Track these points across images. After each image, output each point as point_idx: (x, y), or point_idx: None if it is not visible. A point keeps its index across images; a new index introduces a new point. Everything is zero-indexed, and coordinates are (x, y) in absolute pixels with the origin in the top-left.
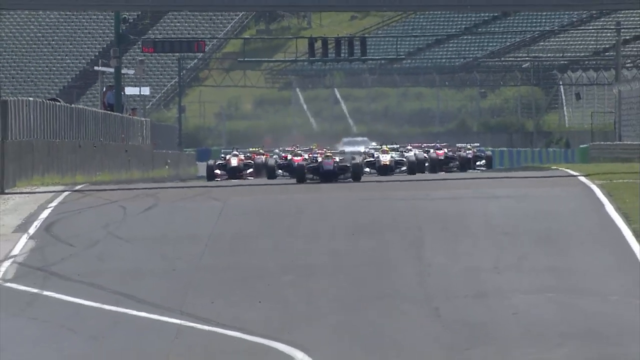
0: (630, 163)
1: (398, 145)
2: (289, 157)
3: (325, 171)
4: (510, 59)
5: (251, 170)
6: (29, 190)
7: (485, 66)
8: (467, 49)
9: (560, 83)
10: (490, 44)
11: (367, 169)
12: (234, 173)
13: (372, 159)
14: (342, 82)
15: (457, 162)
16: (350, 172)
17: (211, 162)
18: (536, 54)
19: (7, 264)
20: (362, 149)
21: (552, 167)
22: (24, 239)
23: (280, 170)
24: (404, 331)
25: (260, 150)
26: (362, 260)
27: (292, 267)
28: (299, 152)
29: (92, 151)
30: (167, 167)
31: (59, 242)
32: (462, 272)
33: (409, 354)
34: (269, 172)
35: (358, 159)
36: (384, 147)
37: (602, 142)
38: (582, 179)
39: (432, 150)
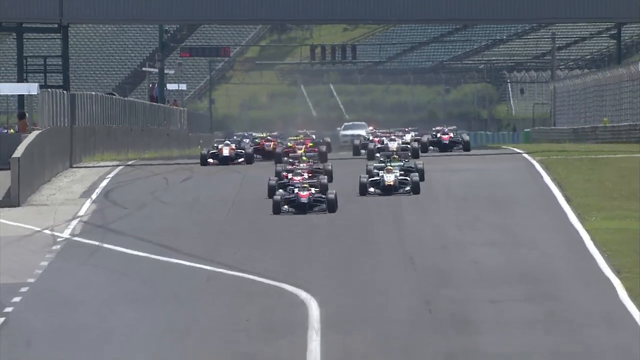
0: (563, 143)
1: (401, 131)
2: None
3: (300, 203)
4: (469, 62)
5: (242, 159)
6: (92, 165)
7: (449, 68)
8: (435, 54)
9: (508, 81)
10: (453, 50)
11: (372, 189)
12: (226, 162)
13: (377, 178)
14: (337, 80)
15: (461, 146)
16: (325, 203)
17: (204, 151)
18: (489, 58)
19: (74, 222)
20: (362, 132)
21: (502, 147)
22: (88, 203)
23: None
24: (386, 275)
25: (268, 137)
26: (351, 221)
27: (297, 225)
28: (298, 171)
29: (141, 134)
30: (200, 146)
31: (115, 205)
32: (431, 229)
33: (390, 293)
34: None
35: (331, 195)
36: (389, 165)
37: (541, 127)
38: (525, 155)
39: (439, 135)
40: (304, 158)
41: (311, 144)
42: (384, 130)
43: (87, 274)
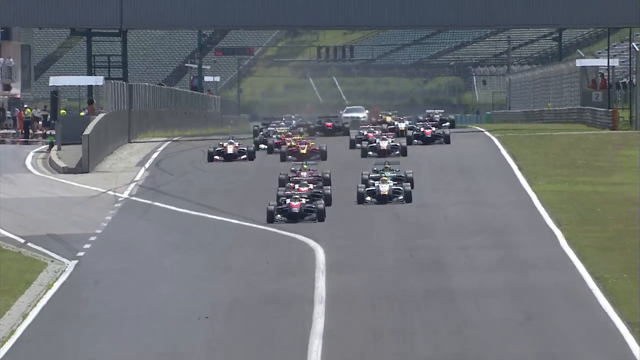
0: (516, 123)
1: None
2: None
3: (292, 213)
4: (442, 59)
5: (245, 156)
6: (145, 141)
7: (426, 64)
8: (416, 53)
9: (473, 74)
10: (430, 50)
11: (368, 198)
12: (230, 158)
13: (372, 188)
14: (338, 74)
15: (442, 139)
16: (315, 213)
17: (211, 149)
18: (458, 56)
19: (132, 186)
20: (360, 114)
21: (468, 126)
22: (142, 170)
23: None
24: (377, 229)
25: (289, 133)
26: (352, 163)
27: None
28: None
29: (184, 116)
30: (230, 126)
31: (163, 172)
32: (413, 192)
33: (380, 243)
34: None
35: (320, 205)
36: (384, 176)
37: (499, 111)
38: (487, 133)
39: (423, 129)
40: (305, 166)
41: (312, 143)
42: (379, 124)
43: (142, 227)
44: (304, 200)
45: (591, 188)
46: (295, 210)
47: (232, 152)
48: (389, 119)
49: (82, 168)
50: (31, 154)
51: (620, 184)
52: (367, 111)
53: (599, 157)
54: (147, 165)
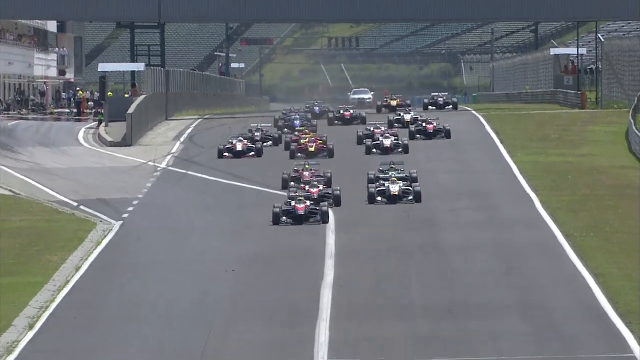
0: (498, 103)
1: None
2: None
3: (297, 215)
4: (435, 48)
5: (252, 153)
6: (180, 118)
7: (422, 52)
8: (413, 43)
9: (462, 61)
10: (424, 40)
11: (379, 198)
12: (239, 155)
13: (382, 188)
14: (345, 61)
15: (443, 134)
16: (319, 215)
17: (221, 146)
18: (449, 46)
19: (169, 157)
20: (365, 96)
21: (458, 106)
22: (177, 143)
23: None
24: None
25: (306, 130)
26: (357, 160)
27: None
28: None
29: (213, 97)
30: (252, 106)
31: (196, 145)
32: (409, 162)
33: (380, 204)
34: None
35: (324, 207)
36: (393, 177)
37: (484, 92)
38: (473, 112)
39: (424, 124)
40: (307, 166)
41: (320, 142)
42: (384, 106)
43: (177, 192)
44: (308, 203)
45: (562, 159)
46: (300, 212)
47: (240, 149)
48: (393, 102)
49: (126, 142)
50: (83, 129)
51: (587, 155)
52: (372, 93)
53: (569, 132)
54: (181, 139)
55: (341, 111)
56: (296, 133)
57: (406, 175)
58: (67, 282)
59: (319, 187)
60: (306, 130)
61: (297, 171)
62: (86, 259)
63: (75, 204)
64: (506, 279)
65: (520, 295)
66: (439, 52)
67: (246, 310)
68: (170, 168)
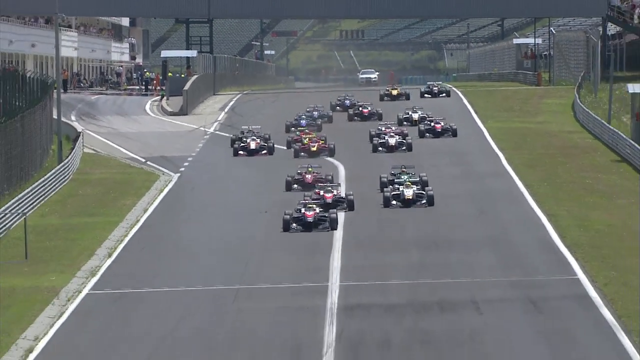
0: (473, 82)
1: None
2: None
3: (306, 222)
4: (424, 38)
5: (265, 151)
6: (224, 94)
7: (413, 42)
8: (406, 34)
9: (444, 49)
10: (416, 32)
11: (394, 202)
12: (252, 153)
13: (397, 192)
14: (354, 49)
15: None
16: (328, 222)
17: (236, 145)
18: (434, 36)
19: (216, 124)
20: (372, 75)
21: (441, 83)
22: (222, 113)
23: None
24: (377, 155)
25: (306, 130)
26: (365, 158)
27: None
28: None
29: (251, 77)
30: (281, 84)
31: (236, 114)
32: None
33: (378, 161)
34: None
35: (333, 215)
36: (407, 181)
37: (462, 73)
38: (454, 88)
39: (432, 124)
40: (310, 169)
41: (322, 141)
42: (389, 124)
43: (222, 152)
44: (318, 210)
45: (523, 125)
46: (310, 220)
47: (254, 148)
48: (395, 92)
49: (182, 112)
50: (149, 102)
51: (542, 122)
52: (377, 73)
53: (528, 104)
54: (225, 109)
55: (360, 108)
56: (297, 133)
57: (418, 180)
58: (137, 221)
59: (333, 192)
60: (306, 130)
61: (300, 174)
62: (152, 203)
63: (143, 160)
64: (479, 219)
65: (489, 232)
66: (427, 42)
67: (276, 244)
68: (217, 133)
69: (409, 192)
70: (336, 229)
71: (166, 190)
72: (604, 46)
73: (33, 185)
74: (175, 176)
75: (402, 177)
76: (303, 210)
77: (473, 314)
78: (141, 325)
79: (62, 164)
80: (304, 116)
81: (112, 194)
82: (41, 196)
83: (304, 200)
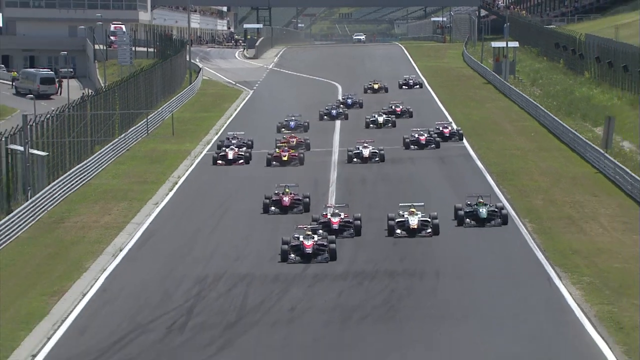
0: (410, 42)
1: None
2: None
3: (305, 253)
4: (383, 17)
5: (242, 161)
6: (277, 48)
7: (378, 20)
8: (374, 15)
9: (395, 23)
10: (379, 14)
11: (398, 231)
12: (230, 162)
13: (402, 220)
14: (346, 23)
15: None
16: (327, 253)
17: (215, 154)
18: (389, 16)
19: (272, 64)
20: (362, 37)
21: (393, 42)
22: (276, 58)
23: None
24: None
25: (285, 145)
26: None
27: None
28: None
29: (290, 39)
30: (307, 42)
31: (284, 59)
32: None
33: (361, 114)
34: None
35: (333, 245)
36: (412, 208)
37: (404, 37)
38: (399, 45)
39: (441, 128)
40: (287, 190)
41: (293, 150)
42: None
43: (278, 79)
44: (316, 238)
45: (436, 64)
46: (309, 250)
47: (231, 158)
48: (376, 86)
49: (255, 57)
50: (237, 52)
51: (447, 63)
52: (364, 35)
53: (439, 53)
54: (277, 55)
55: (393, 107)
56: (279, 142)
57: (426, 218)
58: (231, 115)
59: (340, 216)
60: (292, 134)
61: (277, 194)
62: (239, 105)
63: (234, 83)
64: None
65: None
66: (385, 19)
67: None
68: (273, 68)
69: (414, 221)
70: (335, 260)
71: (247, 99)
72: (478, 22)
73: (176, 96)
74: (251, 92)
75: (406, 215)
76: (301, 238)
77: (411, 165)
78: (237, 170)
79: (191, 85)
80: (293, 118)
81: (218, 101)
82: (180, 101)
83: (302, 226)
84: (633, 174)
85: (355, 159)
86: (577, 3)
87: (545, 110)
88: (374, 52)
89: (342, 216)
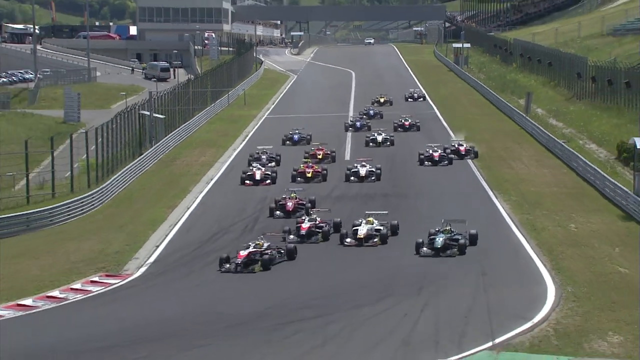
0: (401, 44)
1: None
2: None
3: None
4: (382, 27)
5: (269, 181)
6: (313, 48)
7: (378, 29)
8: (376, 26)
9: (389, 31)
10: (380, 25)
11: (424, 249)
12: (258, 182)
13: (356, 228)
14: (359, 32)
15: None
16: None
17: (243, 175)
18: (386, 27)
19: (306, 62)
20: (372, 40)
21: (390, 44)
22: (312, 54)
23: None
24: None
25: (310, 162)
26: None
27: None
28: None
29: (321, 42)
30: (332, 44)
31: (318, 55)
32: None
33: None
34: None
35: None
36: (370, 217)
37: (396, 40)
38: (393, 45)
39: (456, 146)
40: (293, 195)
41: (316, 167)
42: (364, 159)
43: (315, 69)
44: (251, 248)
45: (416, 58)
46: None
47: (259, 178)
48: (382, 100)
49: (298, 54)
50: (287, 50)
51: (423, 57)
52: (373, 39)
53: (418, 51)
54: (313, 52)
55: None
56: (302, 165)
57: (457, 237)
58: (282, 92)
59: (315, 220)
60: (320, 146)
61: (284, 198)
62: (289, 84)
63: (284, 70)
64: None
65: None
66: (383, 28)
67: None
68: (310, 61)
69: (439, 242)
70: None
71: (292, 81)
72: (444, 30)
73: (246, 79)
74: (295, 76)
75: (438, 236)
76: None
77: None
78: (288, 124)
79: (256, 72)
80: (297, 131)
81: (274, 83)
82: (249, 83)
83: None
84: (544, 130)
85: (352, 177)
86: (508, 18)
87: (488, 88)
88: (376, 50)
89: (317, 221)
